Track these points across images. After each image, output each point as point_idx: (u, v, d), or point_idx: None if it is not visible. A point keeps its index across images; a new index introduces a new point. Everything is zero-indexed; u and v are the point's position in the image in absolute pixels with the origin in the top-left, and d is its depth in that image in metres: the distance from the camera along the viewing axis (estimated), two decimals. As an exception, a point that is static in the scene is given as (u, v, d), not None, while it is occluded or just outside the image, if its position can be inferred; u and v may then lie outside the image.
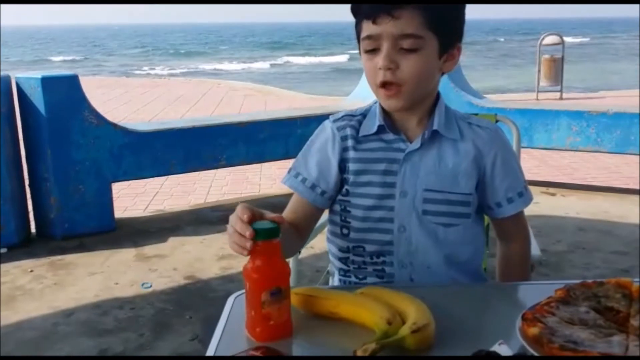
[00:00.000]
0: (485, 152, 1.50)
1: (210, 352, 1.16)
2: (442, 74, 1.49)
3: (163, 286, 3.75)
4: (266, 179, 6.39)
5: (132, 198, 5.74)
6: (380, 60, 1.39)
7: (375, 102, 1.53)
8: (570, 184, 5.87)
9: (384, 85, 1.42)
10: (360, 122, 1.53)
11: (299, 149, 1.61)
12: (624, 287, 1.19)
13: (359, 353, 1.04)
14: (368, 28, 1.40)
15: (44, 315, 3.39)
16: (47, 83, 4.34)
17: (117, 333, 3.18)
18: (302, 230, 1.59)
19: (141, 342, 3.09)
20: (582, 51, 33.94)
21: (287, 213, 1.59)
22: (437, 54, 1.43)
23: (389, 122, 1.50)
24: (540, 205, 5.02)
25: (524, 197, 1.55)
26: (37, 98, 4.33)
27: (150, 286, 3.74)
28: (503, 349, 1.01)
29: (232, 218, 1.21)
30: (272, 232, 1.16)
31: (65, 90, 4.43)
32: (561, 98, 11.39)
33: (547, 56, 11.85)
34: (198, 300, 3.55)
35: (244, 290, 1.21)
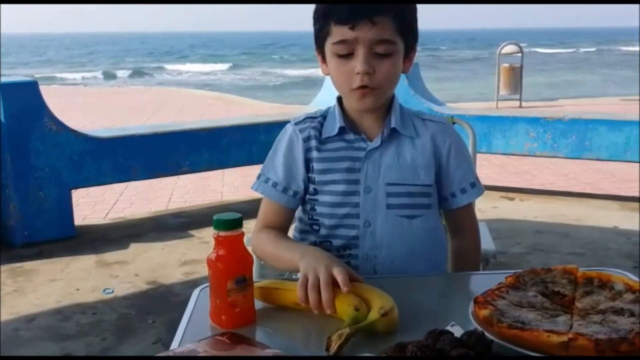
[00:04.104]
0: (440, 144, 1.57)
1: (175, 342, 1.18)
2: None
3: (125, 292, 3.74)
4: (228, 186, 6.39)
5: (91, 207, 5.67)
6: (358, 65, 1.44)
7: (334, 105, 1.59)
8: (529, 189, 5.99)
9: (359, 88, 1.47)
10: (321, 124, 1.58)
11: (263, 155, 1.65)
12: (570, 273, 1.26)
13: (334, 338, 1.09)
14: (342, 33, 1.44)
15: (5, 321, 3.35)
16: (6, 89, 4.30)
17: (80, 338, 3.17)
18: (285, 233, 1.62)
19: (104, 346, 3.08)
20: (544, 60, 34.65)
21: (266, 222, 1.61)
22: (402, 56, 1.51)
23: (349, 123, 1.56)
24: (500, 209, 5.12)
25: (477, 187, 1.62)
26: (-4, 104, 4.29)
27: (112, 292, 3.73)
28: (455, 329, 1.06)
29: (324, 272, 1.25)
30: (235, 223, 1.20)
31: (24, 97, 4.40)
32: (520, 106, 11.61)
33: (506, 65, 12.09)
34: (161, 304, 3.55)
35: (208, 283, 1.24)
